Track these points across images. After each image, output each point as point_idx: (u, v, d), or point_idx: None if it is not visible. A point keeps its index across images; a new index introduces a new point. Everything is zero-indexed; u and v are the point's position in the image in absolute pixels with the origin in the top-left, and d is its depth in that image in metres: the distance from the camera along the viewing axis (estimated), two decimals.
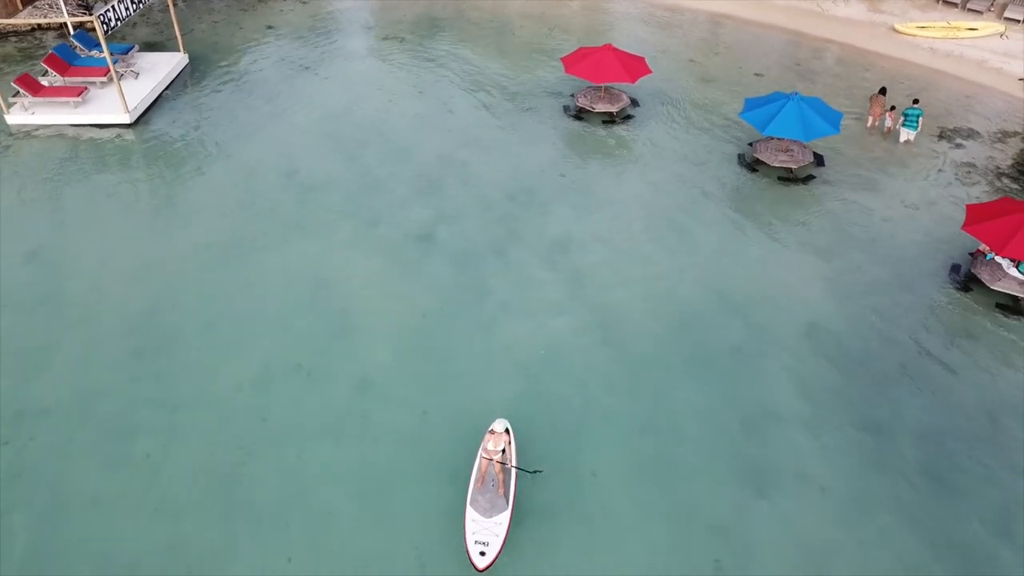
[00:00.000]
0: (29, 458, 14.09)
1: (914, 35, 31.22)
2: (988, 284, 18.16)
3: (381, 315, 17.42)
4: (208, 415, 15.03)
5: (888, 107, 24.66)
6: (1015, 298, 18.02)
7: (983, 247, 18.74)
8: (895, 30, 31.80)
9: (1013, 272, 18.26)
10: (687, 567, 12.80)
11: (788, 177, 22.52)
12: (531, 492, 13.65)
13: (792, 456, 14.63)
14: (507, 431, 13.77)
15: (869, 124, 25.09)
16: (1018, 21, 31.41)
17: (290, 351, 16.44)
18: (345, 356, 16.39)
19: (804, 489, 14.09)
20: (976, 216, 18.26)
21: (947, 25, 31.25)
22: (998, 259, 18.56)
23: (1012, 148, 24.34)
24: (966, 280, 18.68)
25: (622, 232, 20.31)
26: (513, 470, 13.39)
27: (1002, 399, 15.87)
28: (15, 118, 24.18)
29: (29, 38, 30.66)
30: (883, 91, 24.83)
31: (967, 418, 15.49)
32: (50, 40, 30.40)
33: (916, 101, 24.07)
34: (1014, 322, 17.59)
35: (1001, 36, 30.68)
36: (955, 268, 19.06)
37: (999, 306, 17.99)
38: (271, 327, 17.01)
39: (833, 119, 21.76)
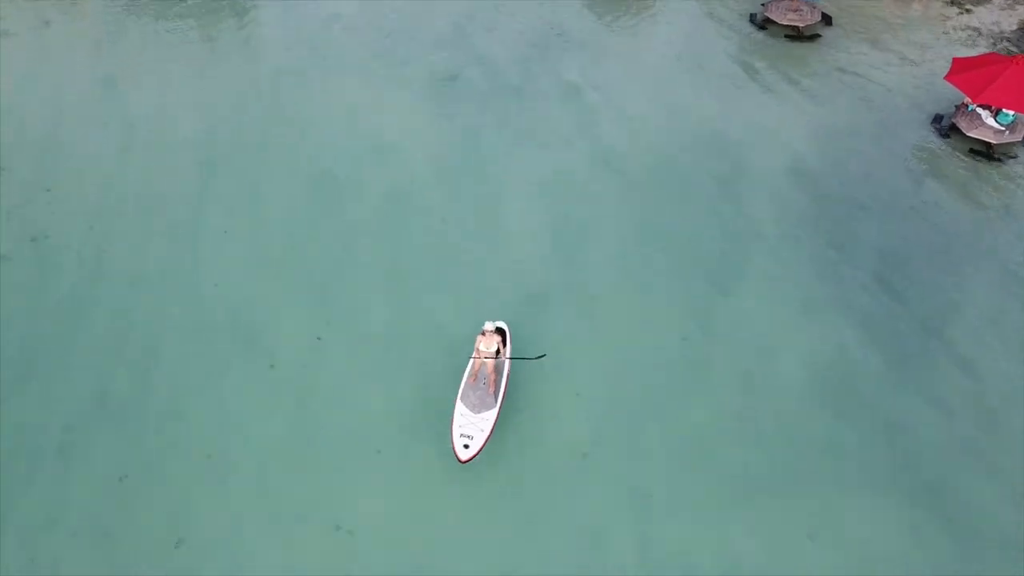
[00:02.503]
0: (107, 248, 16.70)
1: None
2: (965, 132, 19.71)
3: (409, 140, 19.59)
4: (260, 215, 17.55)
5: None
6: (987, 144, 19.57)
7: (967, 99, 20.14)
8: None
9: (990, 122, 19.73)
10: (660, 340, 15.33)
11: (795, 35, 23.75)
12: (533, 279, 16.21)
13: (761, 266, 16.83)
14: (498, 331, 14.20)
15: None
16: None
17: (329, 166, 18.77)
18: (376, 172, 18.70)
19: (767, 291, 16.34)
20: (960, 67, 19.61)
21: None
22: (978, 110, 20.01)
23: (1019, 15, 25.11)
24: (947, 129, 20.21)
25: (631, 79, 21.98)
26: (505, 370, 13.99)
27: (959, 228, 17.79)
28: None
29: None
30: None
31: (925, 242, 17.48)
32: None
33: None
34: (982, 165, 19.25)
35: None
36: (937, 118, 20.57)
37: (972, 151, 19.60)
38: (313, 148, 19.29)
39: None
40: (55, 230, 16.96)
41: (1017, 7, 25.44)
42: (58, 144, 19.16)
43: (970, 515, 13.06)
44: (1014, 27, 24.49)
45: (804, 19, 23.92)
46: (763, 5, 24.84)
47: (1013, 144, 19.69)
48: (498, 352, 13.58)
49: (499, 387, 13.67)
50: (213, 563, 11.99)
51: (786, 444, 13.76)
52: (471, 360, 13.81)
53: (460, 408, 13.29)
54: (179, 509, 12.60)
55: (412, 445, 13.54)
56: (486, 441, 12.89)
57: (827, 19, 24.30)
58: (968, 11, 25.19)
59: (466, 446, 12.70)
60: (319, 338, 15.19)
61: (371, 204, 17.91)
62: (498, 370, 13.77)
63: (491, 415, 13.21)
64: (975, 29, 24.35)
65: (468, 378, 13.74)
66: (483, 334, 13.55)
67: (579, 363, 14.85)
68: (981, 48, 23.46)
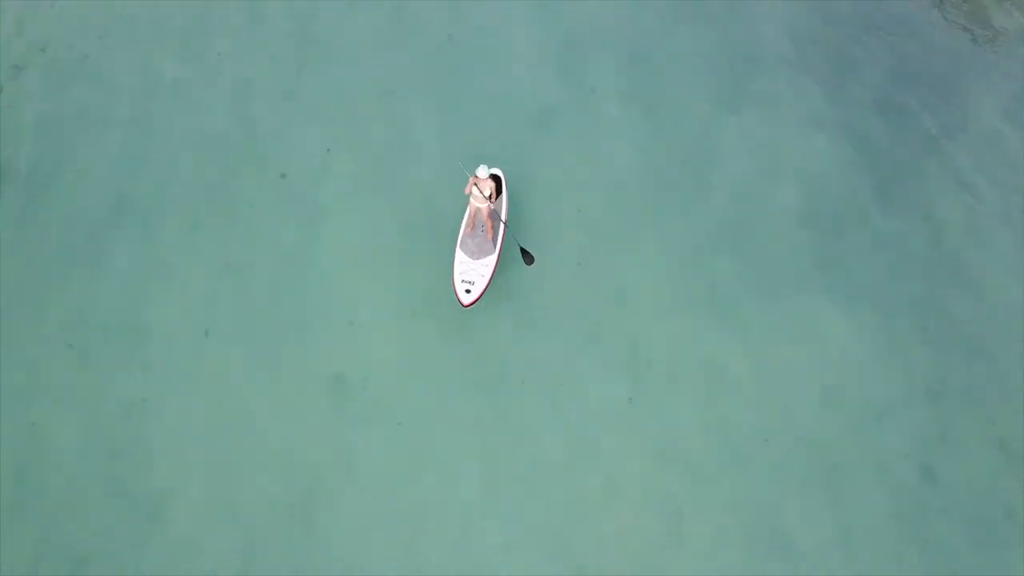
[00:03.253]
0: (118, 58, 16.57)
1: None
2: None
3: None
4: (267, 23, 17.38)
5: None
6: None
7: None
8: None
9: None
10: (661, 156, 15.64)
11: None
12: (535, 97, 16.29)
13: (767, 85, 16.76)
14: (493, 177, 13.85)
15: None
16: None
17: None
18: None
19: (771, 110, 16.40)
20: None
21: None
22: None
23: None
24: None
25: None
26: (503, 216, 14.02)
27: (974, 50, 17.56)
28: None
29: None
30: None
31: (936, 64, 17.32)
32: None
33: None
34: None
35: None
36: None
37: None
38: None
39: None
40: (65, 41, 16.83)
41: None
42: None
43: (946, 327, 13.88)
44: None
45: None
46: None
47: None
48: (491, 198, 13.39)
49: (497, 233, 13.84)
50: (238, 349, 13.07)
51: (776, 255, 14.41)
52: (468, 209, 13.84)
53: (460, 256, 13.47)
54: (204, 304, 13.52)
55: (419, 253, 14.23)
56: (487, 286, 13.27)
57: None
58: None
59: (468, 291, 13.07)
60: (328, 150, 15.52)
61: (374, 19, 17.56)
62: (494, 216, 13.82)
63: (490, 260, 13.46)
64: None
65: (466, 227, 13.74)
66: (475, 178, 13.21)
67: (579, 181, 15.28)
68: None
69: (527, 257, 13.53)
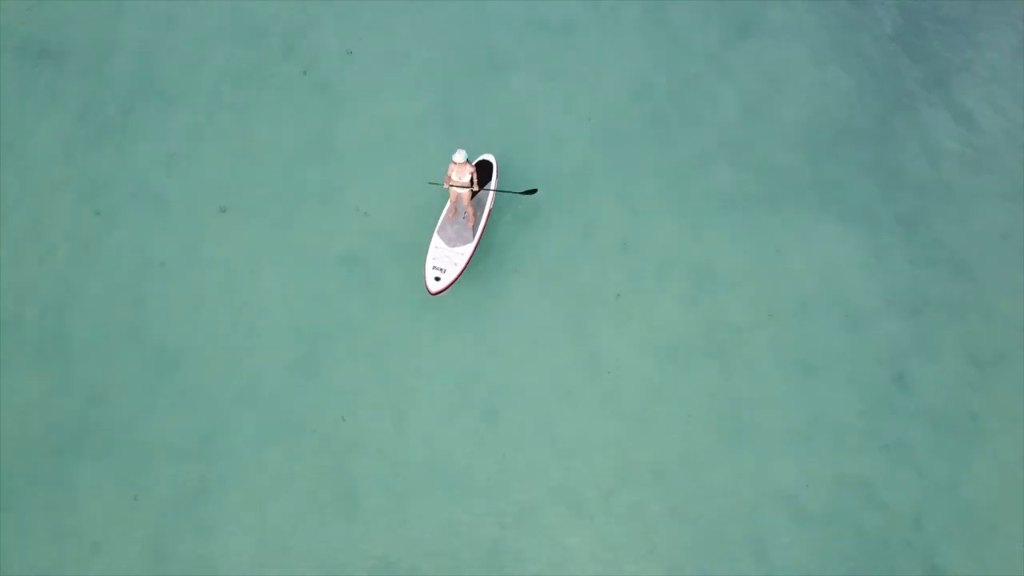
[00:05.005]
0: None
1: None
2: None
3: None
4: None
5: None
6: None
7: None
8: None
9: None
10: (671, 73, 16.08)
11: None
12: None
13: (779, 14, 16.95)
14: (484, 164, 13.91)
15: None
16: None
17: None
18: None
19: (782, 37, 16.62)
20: None
21: None
22: None
23: None
24: None
25: None
26: (488, 204, 13.69)
27: None
28: None
29: None
30: None
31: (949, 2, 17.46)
32: None
33: None
34: None
35: None
36: None
37: None
38: None
39: None
40: None
41: None
42: None
43: (931, 246, 14.23)
44: None
45: None
46: None
47: None
48: (471, 182, 12.72)
49: (479, 220, 13.37)
50: (253, 225, 13.89)
51: (773, 171, 14.85)
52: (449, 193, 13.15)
53: (436, 241, 13.04)
54: (222, 183, 14.32)
55: (432, 149, 14.81)
56: (458, 276, 12.89)
57: None
58: None
59: (437, 279, 12.71)
60: (350, 52, 16.10)
61: None
62: (478, 203, 13.38)
63: (467, 250, 13.01)
64: None
65: (447, 212, 13.30)
66: (453, 164, 12.58)
67: (590, 91, 15.77)
68: None
69: (528, 193, 13.73)
